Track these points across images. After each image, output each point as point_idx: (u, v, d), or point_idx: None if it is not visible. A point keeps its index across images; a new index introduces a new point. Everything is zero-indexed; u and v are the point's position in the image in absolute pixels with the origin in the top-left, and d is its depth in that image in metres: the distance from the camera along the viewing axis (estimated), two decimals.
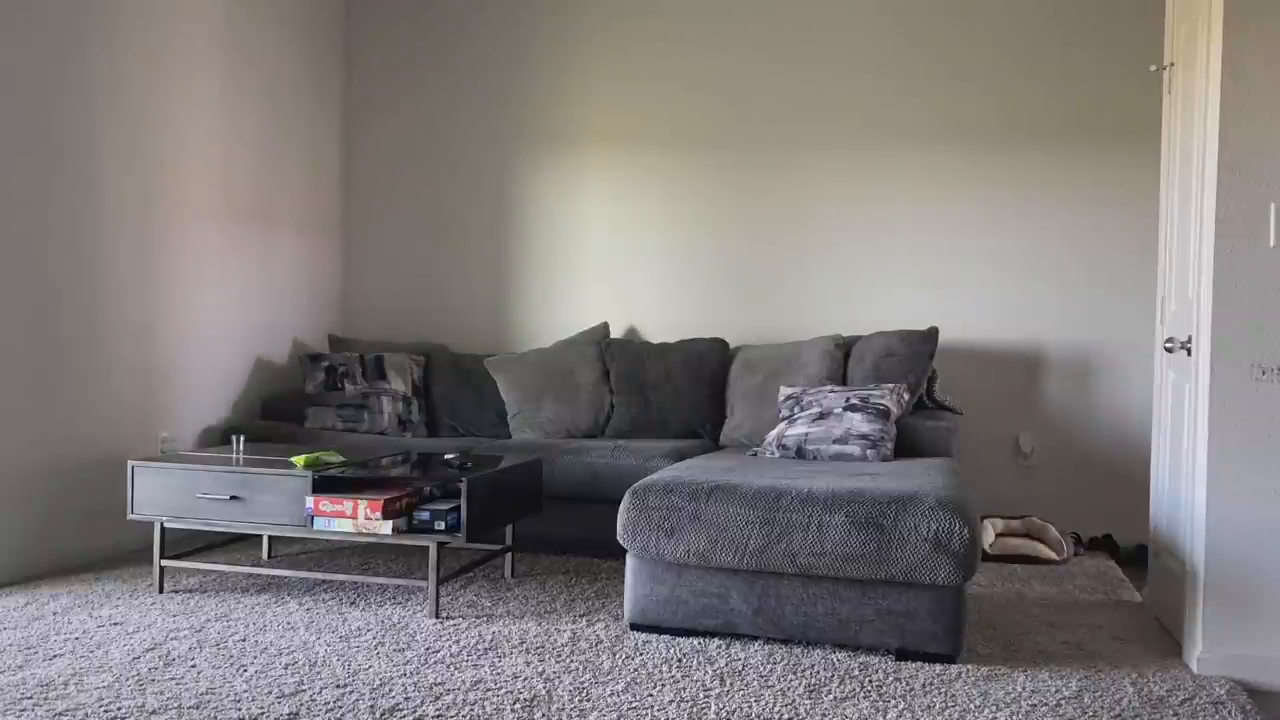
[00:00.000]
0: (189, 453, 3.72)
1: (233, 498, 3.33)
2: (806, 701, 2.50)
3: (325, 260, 5.30)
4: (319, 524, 3.22)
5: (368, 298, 5.38)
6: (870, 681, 2.64)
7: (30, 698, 2.46)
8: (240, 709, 2.40)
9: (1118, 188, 4.44)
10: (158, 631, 3.01)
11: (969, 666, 2.77)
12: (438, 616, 3.19)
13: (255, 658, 2.77)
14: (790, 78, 4.80)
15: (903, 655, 2.83)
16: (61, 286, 3.78)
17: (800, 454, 3.73)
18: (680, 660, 2.79)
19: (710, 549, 2.91)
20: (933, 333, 4.19)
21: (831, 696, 2.54)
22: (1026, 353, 4.55)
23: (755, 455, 3.81)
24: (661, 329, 4.95)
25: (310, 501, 3.23)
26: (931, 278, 4.65)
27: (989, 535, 4.09)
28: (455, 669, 2.70)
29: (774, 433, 3.85)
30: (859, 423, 3.72)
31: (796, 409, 3.92)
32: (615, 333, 5.00)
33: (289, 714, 2.37)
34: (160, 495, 3.40)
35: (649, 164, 4.98)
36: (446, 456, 3.48)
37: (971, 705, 2.49)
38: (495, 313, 5.21)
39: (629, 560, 3.06)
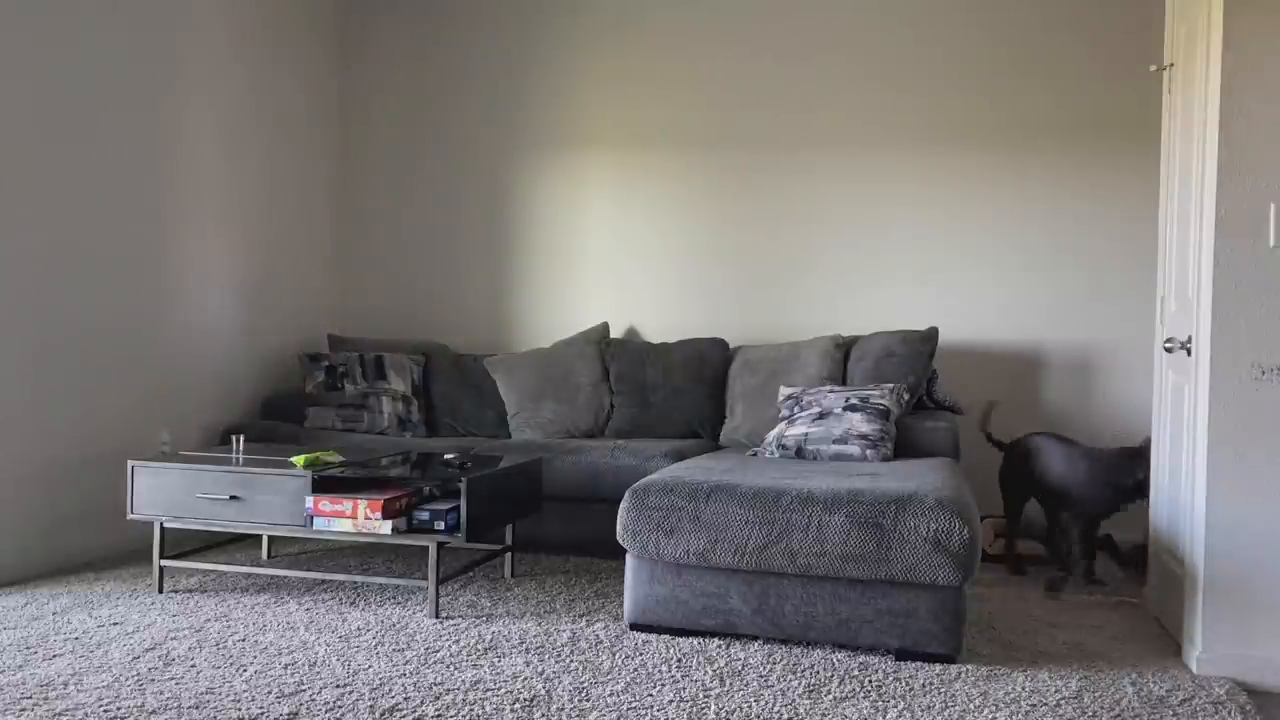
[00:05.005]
0: (189, 453, 3.72)
1: (232, 498, 3.33)
2: (806, 701, 2.50)
3: (325, 260, 5.30)
4: (319, 524, 3.22)
5: (367, 298, 5.38)
6: (870, 681, 2.64)
7: (30, 698, 2.46)
8: (240, 709, 2.40)
9: (1118, 188, 4.44)
10: (157, 631, 3.01)
11: (969, 666, 2.77)
12: (437, 616, 3.19)
13: (255, 658, 2.77)
14: (790, 78, 4.80)
15: (903, 655, 2.83)
16: (62, 287, 3.78)
17: (800, 454, 3.73)
18: (680, 660, 2.79)
19: (710, 549, 2.91)
20: (933, 333, 4.19)
21: (831, 696, 2.54)
22: (1026, 353, 4.55)
23: (755, 455, 3.81)
24: (661, 329, 4.96)
25: (310, 501, 3.23)
26: (931, 278, 4.65)
27: (989, 535, 4.09)
28: (455, 669, 2.70)
29: (774, 433, 3.85)
30: (859, 422, 3.72)
31: (796, 409, 3.92)
32: (615, 333, 5.00)
33: (289, 714, 2.37)
34: (160, 495, 3.40)
35: (649, 164, 4.98)
36: (446, 456, 3.48)
37: (971, 705, 2.49)
38: (495, 313, 5.21)
39: (629, 560, 3.06)
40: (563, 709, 2.42)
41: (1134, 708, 2.49)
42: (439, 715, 2.37)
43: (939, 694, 2.56)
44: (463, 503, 3.15)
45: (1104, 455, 3.72)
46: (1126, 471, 3.61)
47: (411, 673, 2.67)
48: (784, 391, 4.05)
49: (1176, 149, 3.22)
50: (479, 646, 2.89)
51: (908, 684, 2.63)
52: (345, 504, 3.19)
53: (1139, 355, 4.40)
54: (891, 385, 3.91)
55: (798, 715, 2.41)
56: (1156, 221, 3.71)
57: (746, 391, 4.36)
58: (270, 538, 3.99)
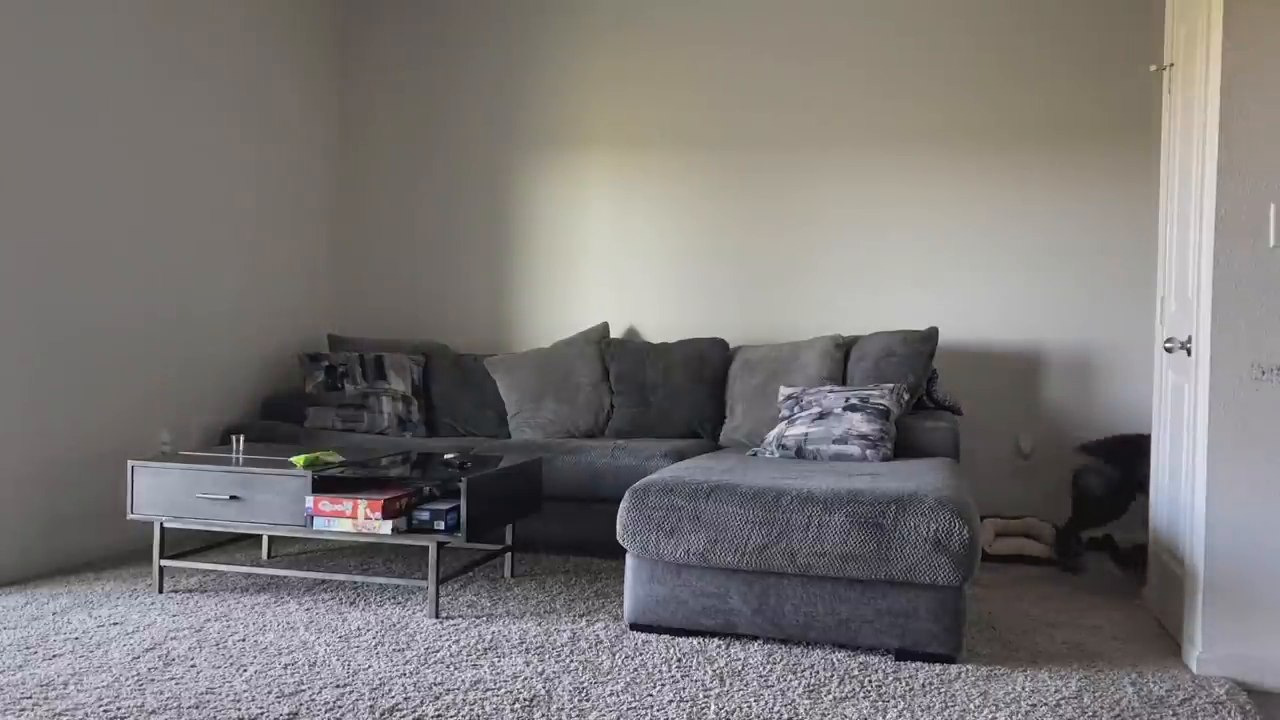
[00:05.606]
0: (189, 453, 3.72)
1: (232, 498, 3.33)
2: (806, 701, 2.50)
3: (325, 260, 5.30)
4: (319, 524, 3.22)
5: (367, 297, 5.38)
6: (870, 681, 2.64)
7: (30, 698, 2.46)
8: (240, 709, 2.40)
9: (1117, 188, 4.44)
10: (157, 631, 3.01)
11: (969, 666, 2.77)
12: (437, 616, 3.19)
13: (255, 658, 2.77)
14: (791, 79, 4.80)
15: (903, 655, 2.83)
16: (62, 287, 3.78)
17: (800, 454, 3.73)
18: (680, 660, 2.79)
19: (710, 549, 2.91)
20: (932, 333, 4.19)
21: (831, 696, 2.54)
22: (1026, 353, 4.55)
23: (755, 455, 3.81)
24: (661, 329, 4.96)
25: (310, 501, 3.23)
26: (931, 278, 4.65)
27: (989, 535, 4.09)
28: (455, 669, 2.70)
29: (774, 433, 3.85)
30: (859, 422, 3.72)
31: (796, 409, 3.92)
32: (615, 333, 5.00)
33: (289, 714, 2.37)
34: (160, 495, 3.40)
35: (649, 164, 4.98)
36: (446, 456, 3.48)
37: (971, 705, 2.49)
38: (495, 313, 5.21)
39: (628, 560, 3.06)
40: (563, 709, 2.42)
41: (1134, 708, 2.49)
42: (439, 715, 2.37)
43: (939, 694, 2.56)
44: (463, 503, 3.15)
45: None
46: None
47: (411, 673, 2.67)
48: (784, 391, 4.05)
49: (1176, 149, 3.22)
50: (479, 646, 2.89)
51: (908, 684, 2.63)
52: (345, 504, 3.19)
53: (1139, 355, 4.40)
54: (891, 385, 3.91)
55: (798, 715, 2.41)
56: (1156, 222, 3.71)
57: (746, 391, 4.36)
58: (270, 538, 3.99)
